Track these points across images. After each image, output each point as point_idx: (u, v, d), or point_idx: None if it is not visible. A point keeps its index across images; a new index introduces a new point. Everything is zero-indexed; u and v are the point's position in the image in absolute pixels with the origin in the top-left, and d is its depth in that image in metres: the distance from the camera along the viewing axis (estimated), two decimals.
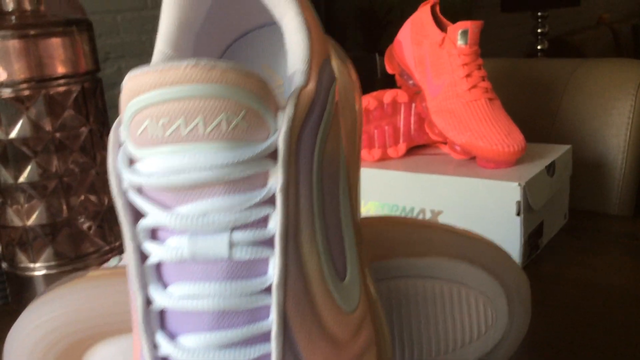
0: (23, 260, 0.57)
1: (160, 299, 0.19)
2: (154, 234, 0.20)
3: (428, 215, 0.65)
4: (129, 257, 0.20)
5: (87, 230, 0.58)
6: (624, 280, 0.57)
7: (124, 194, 0.20)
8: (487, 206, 0.61)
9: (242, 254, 0.19)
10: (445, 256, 0.29)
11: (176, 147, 0.18)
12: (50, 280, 0.58)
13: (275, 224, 0.19)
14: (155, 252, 0.19)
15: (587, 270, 0.59)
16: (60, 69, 0.56)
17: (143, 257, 0.20)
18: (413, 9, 0.73)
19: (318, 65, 0.22)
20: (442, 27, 0.71)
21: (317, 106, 0.20)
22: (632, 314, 0.51)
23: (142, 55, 1.54)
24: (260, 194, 0.19)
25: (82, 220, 0.58)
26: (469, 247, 0.30)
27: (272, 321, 0.19)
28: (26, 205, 0.56)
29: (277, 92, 0.26)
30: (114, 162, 0.20)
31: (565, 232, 0.69)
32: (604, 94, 0.81)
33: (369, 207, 0.69)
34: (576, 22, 3.60)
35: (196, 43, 0.24)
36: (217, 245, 0.19)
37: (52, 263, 0.57)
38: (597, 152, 0.80)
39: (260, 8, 0.25)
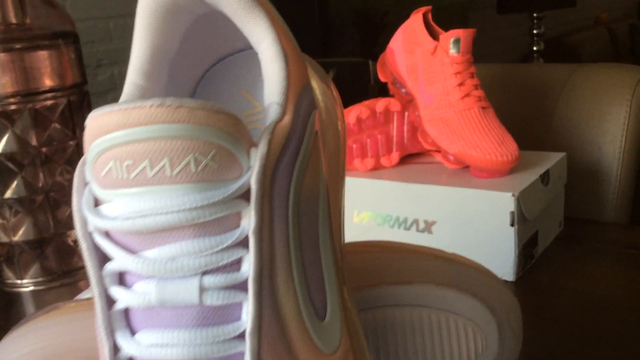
0: (10, 276, 0.56)
1: (128, 347, 0.18)
2: (121, 279, 0.19)
3: (422, 226, 0.65)
4: (95, 302, 0.19)
5: (75, 245, 0.58)
6: (621, 291, 0.56)
7: (89, 236, 0.19)
8: (480, 217, 0.60)
9: (213, 299, 0.18)
10: (432, 283, 0.28)
11: (142, 190, 0.17)
12: (38, 296, 0.57)
13: (248, 267, 0.18)
14: (123, 297, 0.18)
15: (583, 281, 0.59)
16: (47, 83, 0.55)
17: (110, 302, 0.19)
18: (409, 11, 0.73)
19: (296, 94, 0.21)
20: (434, 35, 0.70)
21: (294, 140, 0.19)
22: (628, 325, 0.50)
23: None
24: (233, 237, 0.18)
25: (69, 235, 0.57)
26: (458, 273, 0.29)
27: None
28: (13, 220, 0.55)
29: (257, 119, 0.25)
30: (79, 203, 0.19)
31: (561, 241, 0.68)
32: (599, 100, 0.80)
33: (362, 217, 0.69)
34: (573, 22, 3.59)
35: (171, 71, 0.23)
36: (187, 290, 0.18)
37: (40, 279, 0.57)
38: (593, 159, 0.79)
39: (238, 32, 0.24)
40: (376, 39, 1.85)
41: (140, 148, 0.16)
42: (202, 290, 0.18)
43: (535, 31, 2.61)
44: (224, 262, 0.18)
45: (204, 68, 0.26)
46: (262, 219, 0.19)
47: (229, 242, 0.18)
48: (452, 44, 0.65)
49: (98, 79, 1.46)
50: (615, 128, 0.78)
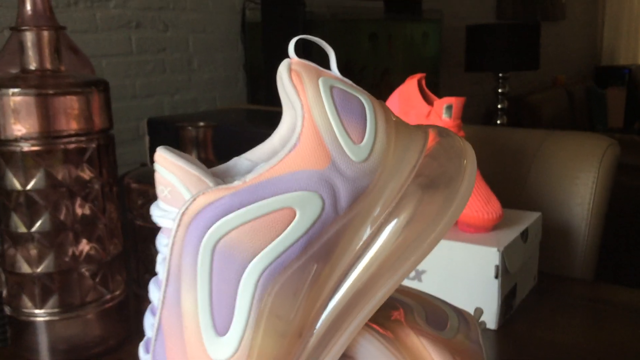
0: (28, 305, 0.59)
1: None
2: None
3: (412, 274, 0.70)
4: None
5: (92, 279, 0.61)
6: (588, 342, 0.63)
7: None
8: (467, 268, 0.66)
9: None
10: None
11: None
12: (50, 326, 0.60)
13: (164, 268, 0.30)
14: None
15: (556, 332, 0.65)
16: (77, 126, 0.59)
17: None
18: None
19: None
20: (427, 99, 0.77)
21: (223, 204, 0.28)
22: None
23: (125, 99, 1.57)
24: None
25: (87, 269, 0.61)
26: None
27: None
28: (36, 253, 0.58)
29: None
30: None
31: (535, 294, 0.74)
32: (570, 166, 0.88)
33: None
34: (532, 82, 3.77)
35: None
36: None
37: (56, 310, 0.60)
38: (563, 219, 0.87)
39: None
40: None
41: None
42: None
43: (500, 90, 2.74)
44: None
45: None
46: (174, 243, 0.29)
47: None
48: (445, 110, 0.72)
49: None
50: (584, 192, 0.86)
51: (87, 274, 0.61)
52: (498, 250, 0.64)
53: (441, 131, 0.33)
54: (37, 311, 0.59)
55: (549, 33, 3.96)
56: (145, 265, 0.68)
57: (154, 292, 0.31)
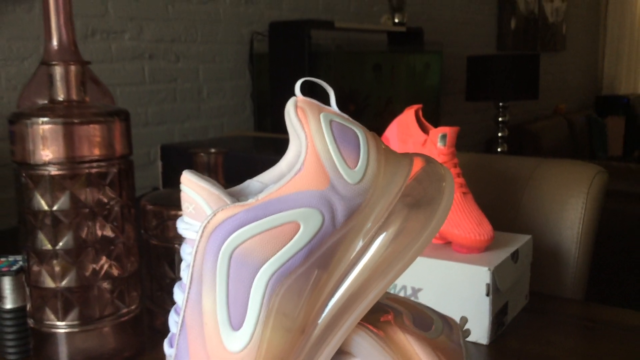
0: (51, 318, 0.64)
1: None
2: None
3: (409, 292, 0.74)
4: None
5: (110, 294, 0.66)
6: (578, 358, 0.67)
7: None
8: (460, 286, 0.71)
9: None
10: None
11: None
12: (71, 337, 0.64)
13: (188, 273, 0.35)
14: None
15: (546, 347, 0.69)
16: (100, 152, 0.64)
17: None
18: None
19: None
20: (424, 128, 0.82)
21: (240, 219, 0.34)
22: None
23: (137, 126, 1.64)
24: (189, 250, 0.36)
25: (106, 284, 0.65)
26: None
27: None
28: (60, 269, 0.63)
29: None
30: None
31: (527, 312, 0.78)
32: (560, 191, 0.93)
33: None
34: (534, 111, 3.83)
35: None
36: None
37: (76, 322, 0.64)
38: (554, 242, 0.91)
39: None
40: (358, 118, 2.00)
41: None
42: None
43: (500, 119, 2.80)
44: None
45: None
46: (197, 251, 0.34)
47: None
48: (440, 139, 0.77)
49: None
50: (574, 216, 0.90)
51: (105, 289, 0.65)
52: (489, 269, 0.69)
53: (426, 159, 0.39)
54: (58, 323, 0.64)
55: (551, 63, 4.03)
56: (159, 282, 0.72)
57: (178, 294, 0.36)
